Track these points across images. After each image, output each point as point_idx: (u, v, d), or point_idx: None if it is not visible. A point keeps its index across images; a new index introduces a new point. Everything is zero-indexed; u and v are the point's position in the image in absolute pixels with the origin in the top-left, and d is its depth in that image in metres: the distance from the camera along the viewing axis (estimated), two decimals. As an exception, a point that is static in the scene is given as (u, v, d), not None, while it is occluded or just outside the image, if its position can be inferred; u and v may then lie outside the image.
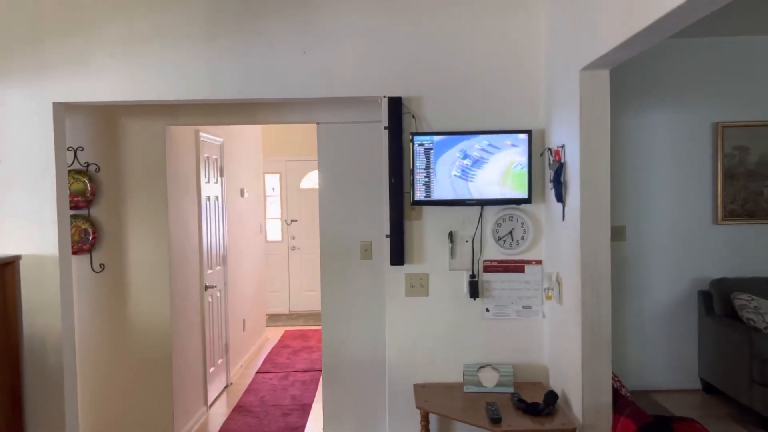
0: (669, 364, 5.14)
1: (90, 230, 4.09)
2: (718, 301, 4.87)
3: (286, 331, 7.84)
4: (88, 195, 4.08)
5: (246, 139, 6.54)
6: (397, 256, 3.20)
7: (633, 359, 5.13)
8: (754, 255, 5.09)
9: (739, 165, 5.07)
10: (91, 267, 4.13)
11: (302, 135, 8.24)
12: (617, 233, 5.11)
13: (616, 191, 5.06)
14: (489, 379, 3.11)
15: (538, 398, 2.90)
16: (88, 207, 4.10)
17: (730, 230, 5.11)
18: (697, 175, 5.09)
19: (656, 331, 5.13)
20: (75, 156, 4.08)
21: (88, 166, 4.10)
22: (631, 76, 4.98)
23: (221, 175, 5.52)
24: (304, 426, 4.64)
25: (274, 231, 8.91)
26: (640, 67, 4.98)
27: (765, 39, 4.99)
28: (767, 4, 4.14)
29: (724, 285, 4.87)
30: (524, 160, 3.09)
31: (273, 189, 8.91)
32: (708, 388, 4.99)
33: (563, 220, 2.88)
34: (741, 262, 5.09)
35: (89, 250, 4.12)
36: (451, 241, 3.22)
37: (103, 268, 4.14)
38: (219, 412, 5.00)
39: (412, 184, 3.13)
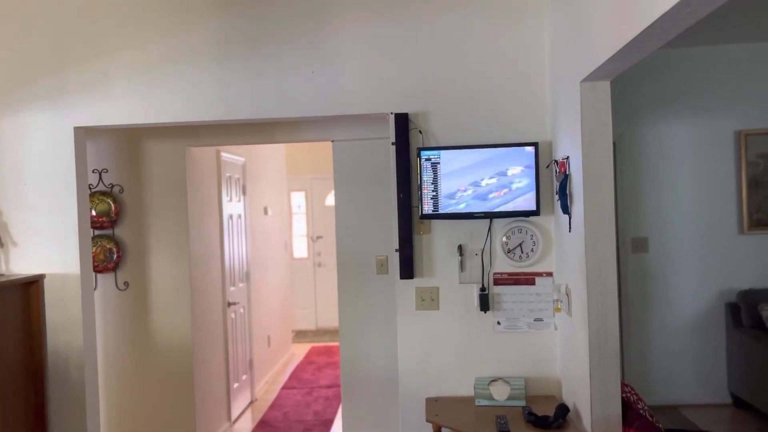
0: (697, 378, 5.03)
1: (114, 249, 4.22)
2: (746, 313, 4.76)
3: (312, 347, 7.90)
4: (113, 215, 4.22)
5: (269, 158, 6.66)
6: (407, 270, 3.22)
7: (659, 373, 5.03)
8: (783, 265, 4.97)
9: (764, 173, 4.97)
10: (116, 285, 4.26)
11: (326, 153, 8.31)
12: (640, 245, 5.05)
13: (638, 203, 5.01)
14: (500, 393, 3.09)
15: (550, 411, 2.88)
16: (112, 227, 4.24)
17: (756, 240, 5.00)
18: (720, 185, 5.00)
19: (683, 344, 5.03)
20: (100, 178, 4.22)
21: (112, 187, 4.25)
22: (650, 85, 4.95)
23: (244, 193, 5.63)
24: (325, 441, 4.67)
25: (300, 248, 9.01)
26: (658, 78, 4.94)
27: (787, 44, 4.91)
28: (784, 10, 4.09)
29: (752, 296, 4.75)
30: (532, 172, 3.10)
31: (299, 206, 9.03)
32: (738, 403, 4.86)
33: (570, 231, 2.88)
34: (769, 273, 4.97)
35: (114, 269, 4.25)
36: (461, 255, 3.24)
37: (128, 286, 4.26)
38: (243, 428, 5.06)
39: (420, 199, 3.16)
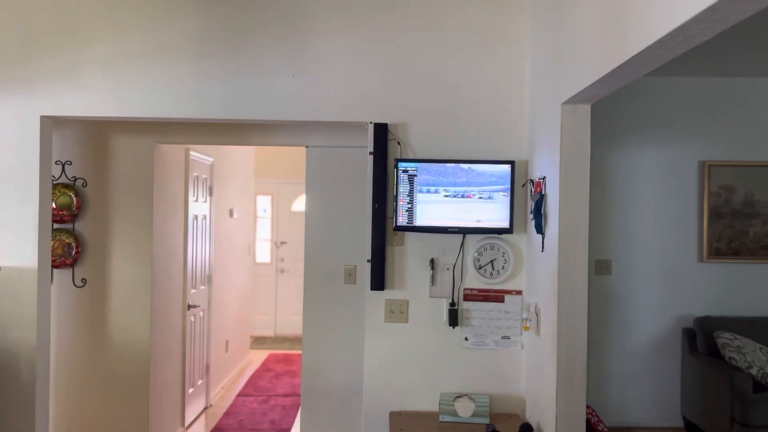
0: (652, 401, 5.11)
1: (74, 244, 4.08)
2: (701, 339, 4.86)
3: (270, 354, 7.78)
4: (74, 209, 4.08)
5: (238, 159, 6.56)
6: (378, 281, 3.19)
7: (616, 395, 5.10)
8: (738, 294, 5.11)
9: (725, 204, 5.11)
10: (73, 282, 4.11)
11: (295, 158, 8.27)
12: (603, 267, 5.12)
13: (604, 226, 5.09)
14: (465, 409, 3.08)
15: (514, 430, 2.88)
16: (73, 221, 4.10)
17: (715, 268, 5.13)
18: (683, 213, 5.13)
19: (640, 367, 5.12)
20: (63, 170, 4.08)
21: (75, 180, 4.11)
22: (622, 112, 5.05)
23: (210, 194, 5.52)
24: (280, 451, 4.58)
25: (264, 252, 8.89)
26: (630, 104, 5.05)
27: (753, 81, 5.07)
28: (756, 48, 4.22)
29: (708, 323, 4.86)
30: (507, 190, 3.11)
31: (264, 210, 8.92)
32: (690, 427, 4.95)
33: (542, 251, 2.89)
34: (725, 301, 5.10)
35: (72, 265, 4.11)
36: (432, 268, 3.23)
37: (85, 283, 4.12)
38: (196, 434, 4.94)
39: (395, 210, 3.14)
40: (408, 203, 3.14)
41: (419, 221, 3.14)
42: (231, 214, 6.31)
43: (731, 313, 5.04)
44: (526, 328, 3.13)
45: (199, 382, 5.35)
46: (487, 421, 3.04)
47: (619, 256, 5.11)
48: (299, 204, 8.79)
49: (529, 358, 3.14)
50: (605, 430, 3.20)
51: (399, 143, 3.21)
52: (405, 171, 3.13)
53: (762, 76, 5.02)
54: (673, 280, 5.11)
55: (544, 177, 2.88)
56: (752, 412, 4.18)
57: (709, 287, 5.12)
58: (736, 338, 4.63)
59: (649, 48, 1.82)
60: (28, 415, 3.24)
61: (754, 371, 4.39)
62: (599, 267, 5.11)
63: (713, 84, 5.09)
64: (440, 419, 3.09)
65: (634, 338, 5.11)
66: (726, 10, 1.48)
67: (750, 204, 5.10)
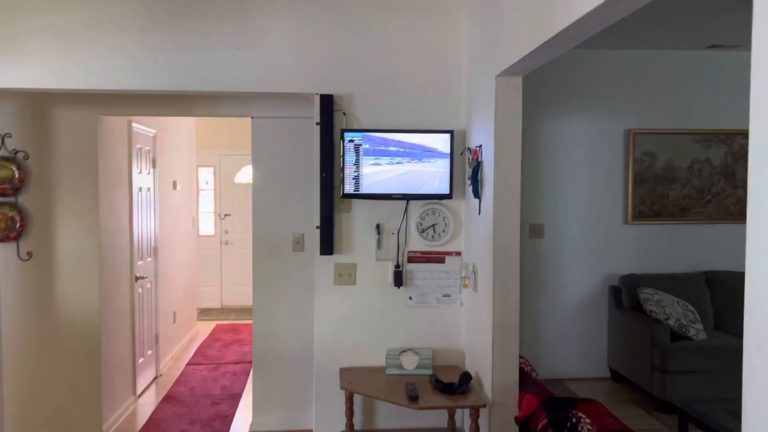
0: (581, 355, 5.51)
1: (17, 218, 4.05)
2: (626, 296, 5.26)
3: (217, 324, 7.86)
4: (16, 182, 4.04)
5: (180, 131, 6.54)
6: (327, 247, 3.35)
7: (549, 351, 5.47)
8: (659, 252, 5.52)
9: (648, 169, 5.49)
10: (18, 255, 4.09)
11: (237, 129, 8.27)
12: (536, 231, 5.44)
13: (537, 192, 5.39)
14: (410, 362, 3.31)
15: (455, 379, 3.12)
16: (15, 194, 4.06)
17: (639, 230, 5.53)
18: (610, 178, 5.48)
19: (570, 323, 5.49)
20: (2, 142, 4.03)
21: (16, 153, 4.06)
22: (552, 84, 5.32)
23: (153, 166, 5.52)
24: (233, 414, 4.73)
25: (207, 225, 8.88)
26: (560, 76, 5.32)
27: (675, 53, 5.42)
28: (674, 23, 4.53)
29: (632, 280, 5.26)
30: (447, 157, 3.31)
31: (207, 182, 8.89)
32: (616, 376, 5.38)
33: (479, 214, 3.12)
34: (648, 259, 5.51)
35: (16, 238, 4.08)
36: (378, 233, 3.41)
37: (31, 256, 4.11)
38: (148, 402, 5.02)
39: (342, 179, 3.29)
40: (354, 172, 3.29)
41: (365, 189, 3.30)
42: (174, 186, 6.31)
43: (653, 271, 5.45)
44: (465, 286, 3.37)
45: (149, 352, 5.41)
46: (430, 372, 3.28)
47: (551, 220, 5.43)
48: (242, 176, 8.79)
49: (468, 314, 3.39)
50: (537, 378, 3.50)
51: (344, 114, 3.35)
52: (351, 141, 3.28)
53: (682, 49, 5.37)
54: (601, 241, 5.48)
55: (481, 145, 3.08)
56: (670, 359, 4.59)
57: (634, 247, 5.51)
58: (656, 293, 5.03)
59: (571, 25, 2.02)
60: (-19, 386, 3.27)
61: (671, 322, 4.80)
62: (533, 231, 5.42)
63: (638, 56, 5.41)
64: (387, 372, 3.31)
65: (565, 297, 5.47)
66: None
67: (670, 169, 5.49)
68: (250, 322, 7.74)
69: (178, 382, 5.52)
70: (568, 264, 5.46)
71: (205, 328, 7.67)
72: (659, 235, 5.54)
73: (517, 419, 2.94)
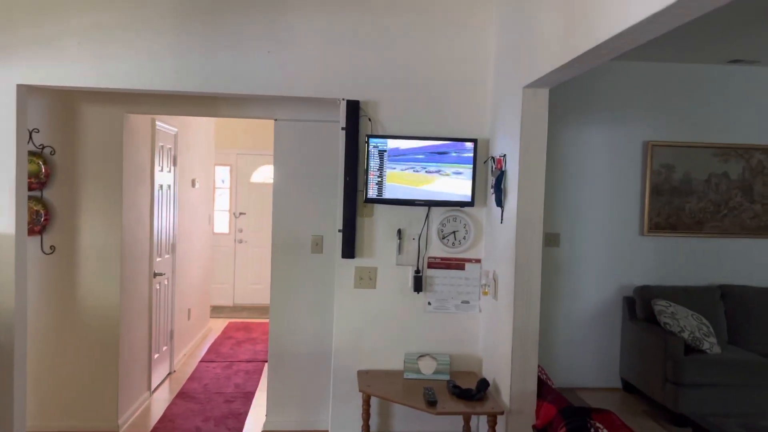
0: (594, 365, 5.52)
1: (42, 212, 4.12)
2: (640, 307, 5.27)
3: (229, 322, 7.91)
4: (42, 177, 4.11)
5: (200, 130, 6.60)
6: (349, 250, 3.39)
7: (562, 359, 5.48)
8: (674, 265, 5.52)
9: (665, 182, 5.50)
10: (42, 249, 4.16)
11: (255, 129, 8.33)
12: (552, 240, 5.45)
13: (554, 201, 5.41)
14: (427, 367, 3.34)
15: (472, 385, 3.15)
16: (41, 189, 4.13)
17: (654, 241, 5.53)
18: (627, 190, 5.49)
19: (584, 333, 5.50)
20: (30, 137, 4.09)
21: (43, 148, 4.13)
22: (573, 94, 5.34)
23: (174, 164, 5.58)
24: (247, 412, 4.77)
25: (222, 223, 8.95)
26: (581, 87, 5.34)
27: (694, 67, 5.43)
28: (695, 37, 4.55)
29: (647, 292, 5.26)
30: (470, 166, 3.34)
31: (223, 181, 8.96)
32: (628, 387, 5.39)
33: (501, 223, 3.15)
34: (663, 271, 5.51)
35: (40, 232, 4.15)
36: (399, 238, 3.45)
37: (54, 250, 4.18)
38: (162, 398, 5.07)
39: (366, 183, 3.34)
40: (378, 177, 3.33)
41: (388, 194, 3.34)
42: (193, 184, 6.37)
43: (668, 283, 5.45)
44: (485, 293, 3.40)
45: (164, 348, 5.47)
46: (447, 377, 3.31)
47: (567, 229, 5.45)
48: (258, 175, 8.85)
49: (487, 321, 3.42)
50: (554, 385, 3.52)
51: (370, 120, 3.39)
52: (375, 146, 3.32)
53: (703, 62, 5.38)
54: (616, 252, 5.49)
55: (505, 155, 3.12)
56: (683, 372, 4.60)
57: (649, 259, 5.52)
58: (670, 305, 5.04)
59: (607, 41, 2.05)
60: (6, 378, 3.33)
61: (685, 335, 4.80)
62: (548, 240, 5.44)
63: (658, 69, 5.42)
64: (405, 376, 3.34)
65: (579, 306, 5.48)
66: (688, 5, 1.66)
67: (687, 182, 5.50)
68: (262, 320, 7.85)
69: (191, 378, 5.58)
70: (583, 274, 5.47)
71: (218, 325, 7.73)
72: (675, 247, 5.54)
73: (534, 427, 2.97)
